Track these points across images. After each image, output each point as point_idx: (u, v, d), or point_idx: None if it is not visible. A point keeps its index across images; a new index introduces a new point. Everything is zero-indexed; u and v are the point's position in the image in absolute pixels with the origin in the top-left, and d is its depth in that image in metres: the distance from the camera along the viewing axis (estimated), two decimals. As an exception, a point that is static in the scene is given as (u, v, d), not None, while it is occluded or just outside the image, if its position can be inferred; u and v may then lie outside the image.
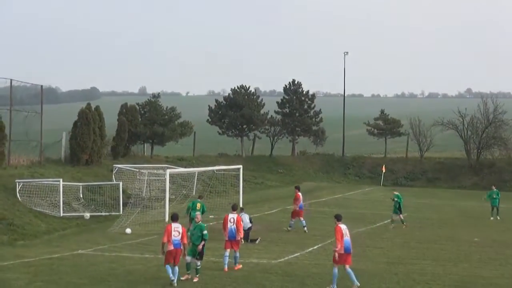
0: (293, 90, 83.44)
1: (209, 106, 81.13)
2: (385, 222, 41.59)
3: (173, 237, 23.27)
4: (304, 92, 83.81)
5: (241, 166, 44.96)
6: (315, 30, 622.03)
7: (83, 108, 51.14)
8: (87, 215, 40.35)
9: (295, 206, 37.99)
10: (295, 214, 37.96)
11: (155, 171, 47.26)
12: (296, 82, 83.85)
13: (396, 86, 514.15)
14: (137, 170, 47.34)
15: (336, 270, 22.83)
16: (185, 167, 54.51)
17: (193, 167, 55.70)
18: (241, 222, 26.81)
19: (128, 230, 36.08)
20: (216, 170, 48.43)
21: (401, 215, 40.24)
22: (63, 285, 22.61)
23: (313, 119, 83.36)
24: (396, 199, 40.56)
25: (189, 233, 24.78)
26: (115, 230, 36.31)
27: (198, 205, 34.77)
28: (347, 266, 23.08)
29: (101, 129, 51.88)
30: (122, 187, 43.83)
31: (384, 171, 70.83)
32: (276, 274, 24.86)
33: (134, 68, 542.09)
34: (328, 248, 31.54)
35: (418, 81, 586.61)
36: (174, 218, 23.91)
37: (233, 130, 79.11)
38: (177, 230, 23.48)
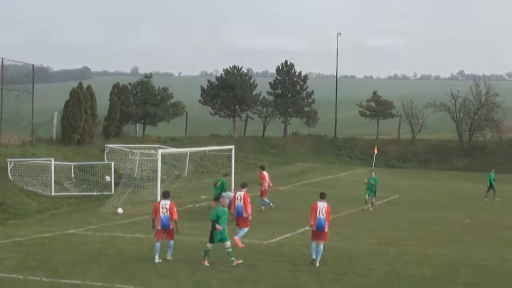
0: (286, 71, 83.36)
1: (201, 86, 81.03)
2: (377, 203, 41.68)
3: (161, 214, 23.41)
4: (297, 73, 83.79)
5: (233, 147, 44.83)
6: (309, 10, 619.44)
7: (74, 88, 50.91)
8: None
9: (264, 186, 38.63)
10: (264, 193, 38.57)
11: (147, 151, 47.19)
12: (288, 63, 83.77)
13: (389, 68, 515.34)
14: (129, 150, 47.27)
15: (313, 244, 23.79)
16: (177, 148, 54.45)
17: (185, 147, 55.65)
18: (248, 199, 27.22)
19: (120, 210, 36.06)
20: (208, 151, 48.32)
21: (374, 198, 40.44)
22: (54, 264, 22.64)
23: (306, 100, 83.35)
24: (372, 182, 40.63)
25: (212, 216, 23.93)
26: (106, 210, 36.32)
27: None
28: (321, 243, 23.67)
29: (92, 108, 51.72)
30: (114, 167, 43.70)
31: (376, 152, 70.82)
32: (268, 255, 24.99)
33: (127, 48, 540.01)
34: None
35: (411, 63, 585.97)
36: (165, 195, 24.00)
37: (225, 111, 79.11)
38: (165, 207, 23.57)
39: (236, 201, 27.26)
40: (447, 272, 22.94)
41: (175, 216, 23.74)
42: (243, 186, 28.48)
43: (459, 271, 23.07)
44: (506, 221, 35.85)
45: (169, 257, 23.64)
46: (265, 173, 39.43)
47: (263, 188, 38.81)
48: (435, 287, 21.09)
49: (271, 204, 38.55)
